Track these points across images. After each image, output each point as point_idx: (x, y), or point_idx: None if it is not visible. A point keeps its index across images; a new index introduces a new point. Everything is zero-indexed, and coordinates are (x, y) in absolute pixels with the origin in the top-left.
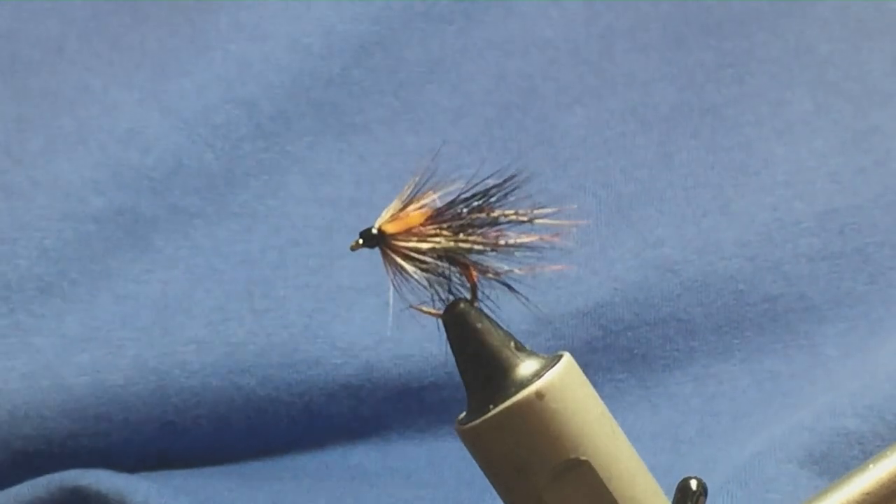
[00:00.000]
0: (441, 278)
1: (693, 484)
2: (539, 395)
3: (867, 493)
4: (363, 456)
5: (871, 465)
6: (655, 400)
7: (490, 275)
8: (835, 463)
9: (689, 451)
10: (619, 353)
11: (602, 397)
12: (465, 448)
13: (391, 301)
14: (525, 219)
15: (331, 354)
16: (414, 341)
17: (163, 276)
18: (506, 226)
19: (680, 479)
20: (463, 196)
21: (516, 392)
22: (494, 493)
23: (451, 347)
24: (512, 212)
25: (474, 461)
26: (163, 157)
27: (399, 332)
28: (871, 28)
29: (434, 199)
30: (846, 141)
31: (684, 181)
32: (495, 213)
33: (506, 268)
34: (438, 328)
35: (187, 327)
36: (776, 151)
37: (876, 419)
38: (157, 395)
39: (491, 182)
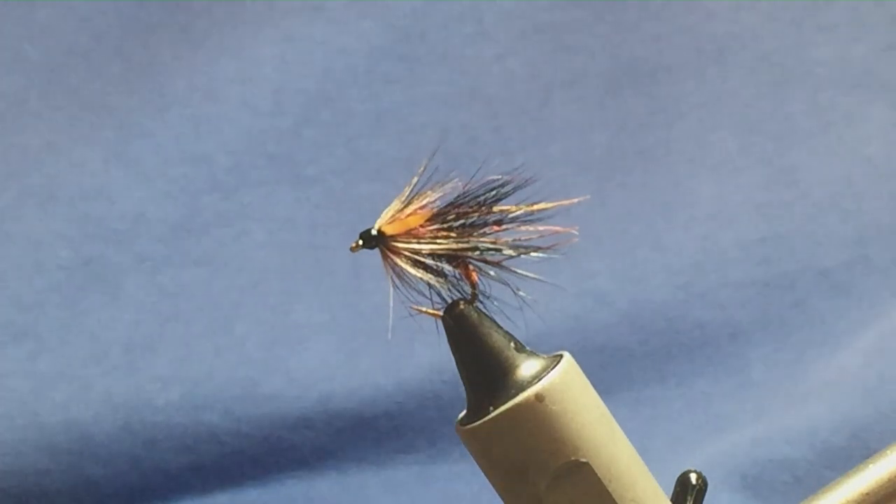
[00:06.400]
0: (441, 279)
1: (693, 478)
2: (539, 397)
3: (867, 493)
4: (323, 488)
5: (870, 465)
6: None
7: (490, 275)
8: (768, 488)
9: None
10: None
11: None
12: (420, 476)
13: (391, 302)
14: (523, 213)
15: (288, 388)
16: (365, 373)
17: (130, 318)
18: (506, 225)
19: (680, 473)
20: (463, 197)
21: (516, 394)
22: None
23: (451, 348)
24: (512, 208)
25: (476, 463)
26: (127, 209)
27: (351, 366)
28: (790, 74)
29: (434, 200)
30: (769, 176)
31: (617, 218)
32: (495, 212)
33: (507, 267)
34: (438, 329)
35: (153, 365)
36: (703, 188)
37: (805, 446)
38: (125, 430)
39: (490, 182)
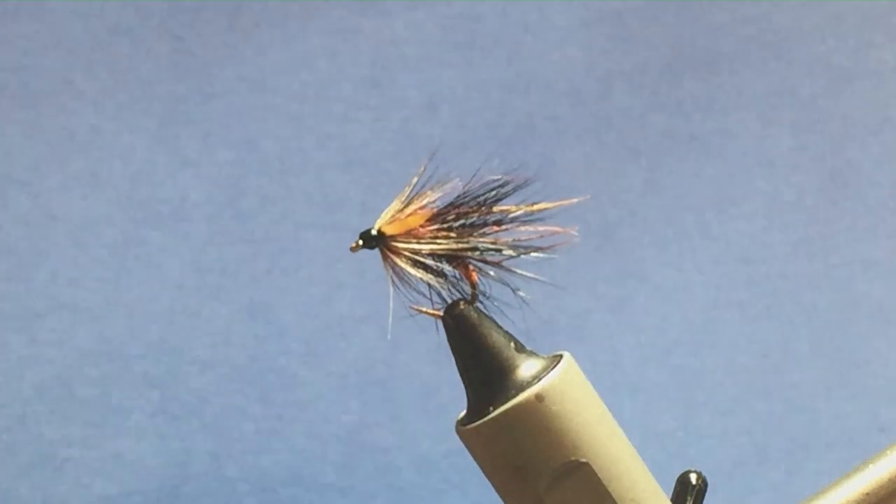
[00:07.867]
0: (441, 279)
1: (693, 477)
2: (539, 397)
3: (867, 493)
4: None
5: (870, 465)
6: None
7: (490, 275)
8: None
9: None
10: None
11: None
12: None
13: (391, 303)
14: (524, 213)
15: (326, 381)
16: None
17: (171, 296)
18: (506, 225)
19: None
20: (463, 196)
21: (516, 394)
22: None
23: (451, 348)
24: (512, 208)
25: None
26: (171, 193)
27: (393, 357)
28: (851, 73)
29: (434, 200)
30: (823, 176)
31: (668, 205)
32: (495, 212)
33: (507, 267)
34: (438, 329)
35: (193, 347)
36: (756, 183)
37: None
38: (160, 408)
39: (491, 182)
